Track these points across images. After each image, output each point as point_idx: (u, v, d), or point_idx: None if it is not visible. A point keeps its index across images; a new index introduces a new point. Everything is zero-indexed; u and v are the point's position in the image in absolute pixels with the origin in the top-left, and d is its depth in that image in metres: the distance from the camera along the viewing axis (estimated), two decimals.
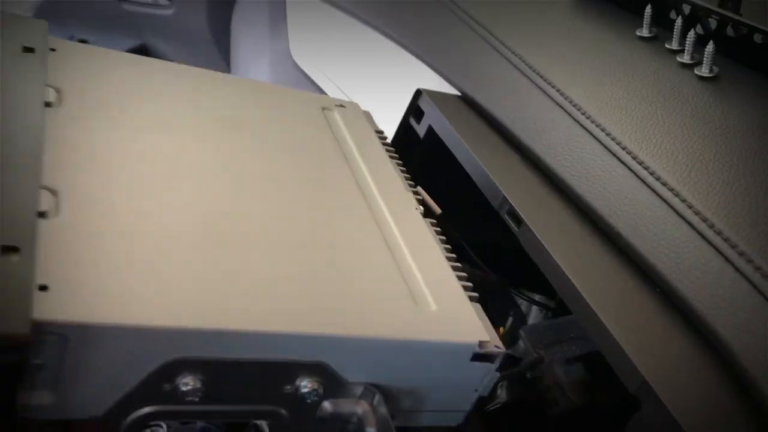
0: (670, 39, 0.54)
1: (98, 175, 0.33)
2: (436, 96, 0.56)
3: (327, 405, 0.32)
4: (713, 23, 0.52)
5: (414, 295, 0.35)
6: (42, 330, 0.25)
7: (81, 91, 0.38)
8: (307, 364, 0.31)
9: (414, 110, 0.57)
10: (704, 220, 0.38)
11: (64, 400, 0.27)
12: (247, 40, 1.08)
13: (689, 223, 0.38)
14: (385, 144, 0.50)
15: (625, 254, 0.40)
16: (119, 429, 0.29)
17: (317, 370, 0.31)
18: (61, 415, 0.28)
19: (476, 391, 0.36)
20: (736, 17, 0.51)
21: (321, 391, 0.32)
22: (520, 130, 0.50)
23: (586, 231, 0.43)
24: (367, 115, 0.53)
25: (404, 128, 0.57)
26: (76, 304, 0.26)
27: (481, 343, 0.34)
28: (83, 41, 1.78)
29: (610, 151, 0.44)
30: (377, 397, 0.33)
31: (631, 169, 0.43)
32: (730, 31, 0.51)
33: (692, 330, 0.35)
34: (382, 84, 0.72)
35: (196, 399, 0.29)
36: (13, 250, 0.26)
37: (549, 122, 0.49)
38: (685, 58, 0.52)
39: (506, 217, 0.44)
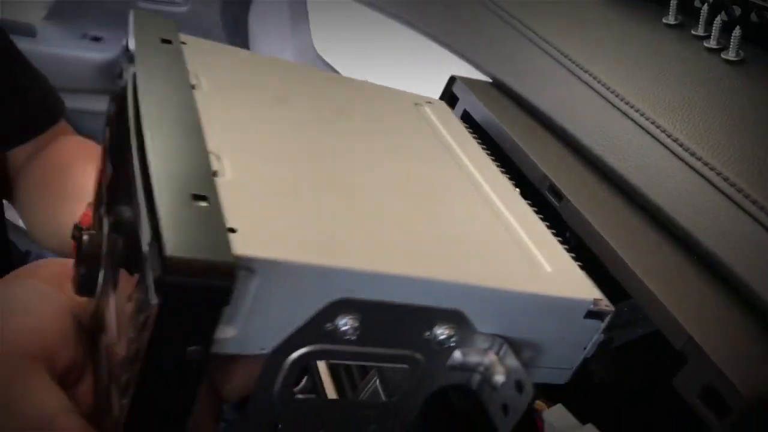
0: (695, 26, 0.56)
1: (247, 142, 0.37)
2: (469, 82, 0.58)
3: (457, 353, 0.35)
4: (737, 10, 0.54)
5: (530, 258, 0.39)
6: (237, 264, 0.27)
7: (213, 75, 0.42)
8: (446, 311, 0.34)
9: (448, 96, 0.59)
10: (740, 191, 0.40)
11: (243, 335, 0.30)
12: (268, 35, 1.11)
13: (725, 194, 0.41)
14: (473, 135, 0.53)
15: (663, 225, 0.42)
16: (279, 367, 0.32)
17: (454, 317, 0.34)
18: (236, 349, 0.30)
19: (584, 349, 0.38)
20: (760, 2, 0.53)
21: (456, 338, 0.34)
22: (552, 112, 0.53)
23: (624, 204, 0.45)
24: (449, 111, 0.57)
25: None
26: (263, 244, 0.29)
27: (595, 301, 0.37)
28: (97, 39, 1.80)
29: (644, 130, 0.47)
30: (504, 348, 0.35)
31: (666, 146, 0.45)
32: (754, 17, 0.54)
33: (731, 290, 0.38)
34: (408, 75, 0.74)
35: (353, 338, 0.32)
36: (203, 198, 0.29)
37: (581, 103, 0.51)
38: (712, 44, 0.54)
39: (546, 193, 0.46)
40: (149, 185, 0.29)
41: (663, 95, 0.49)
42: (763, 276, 0.37)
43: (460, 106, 0.57)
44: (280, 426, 0.34)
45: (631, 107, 0.48)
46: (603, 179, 0.47)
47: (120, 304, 0.33)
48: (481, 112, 0.54)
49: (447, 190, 0.43)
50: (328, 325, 0.31)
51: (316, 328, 0.31)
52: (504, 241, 0.39)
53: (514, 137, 0.50)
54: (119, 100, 0.38)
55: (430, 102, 0.54)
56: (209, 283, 0.27)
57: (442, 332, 0.34)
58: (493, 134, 0.53)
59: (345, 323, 0.31)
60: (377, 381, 0.44)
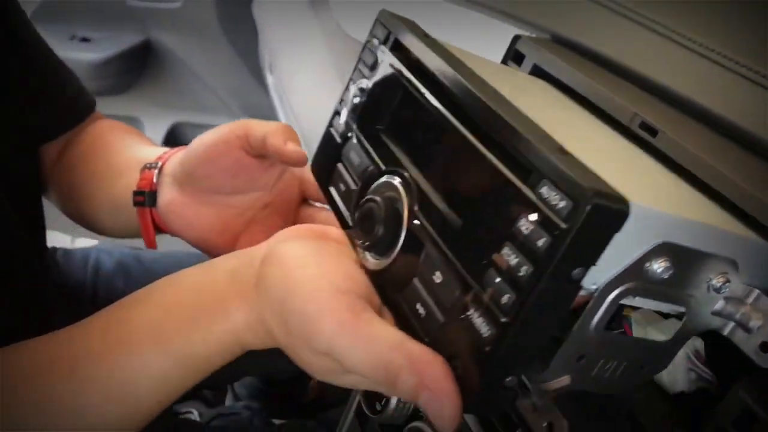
0: None
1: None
2: (532, 39, 0.61)
3: (721, 300, 0.39)
4: None
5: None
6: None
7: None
8: (725, 259, 0.38)
9: (513, 55, 0.62)
10: None
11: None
12: (286, 20, 1.12)
13: None
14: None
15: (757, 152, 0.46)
16: (603, 302, 0.36)
17: (730, 266, 0.38)
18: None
19: None
20: None
21: (729, 286, 0.38)
22: (620, 58, 0.56)
23: (715, 135, 0.48)
24: None
25: None
26: (621, 191, 0.33)
27: None
28: (86, 40, 1.79)
29: (725, 68, 0.50)
30: (759, 296, 0.39)
31: (750, 79, 0.48)
32: None
33: None
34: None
35: (663, 278, 0.36)
36: (568, 153, 0.35)
37: (652, 48, 0.55)
38: None
39: (639, 131, 0.49)
40: (524, 139, 0.36)
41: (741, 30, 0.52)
42: None
43: (527, 62, 0.60)
44: (584, 357, 0.38)
45: (707, 48, 0.52)
46: (690, 112, 0.50)
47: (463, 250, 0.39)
48: (554, 64, 0.57)
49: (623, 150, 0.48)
50: (647, 264, 0.35)
51: (639, 268, 0.35)
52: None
53: (596, 83, 0.53)
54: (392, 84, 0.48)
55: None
56: (615, 208, 0.32)
57: (718, 279, 0.38)
58: (572, 84, 0.55)
59: (659, 265, 0.35)
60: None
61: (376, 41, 0.50)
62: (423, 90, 0.45)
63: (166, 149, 0.65)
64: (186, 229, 0.62)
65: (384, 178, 0.46)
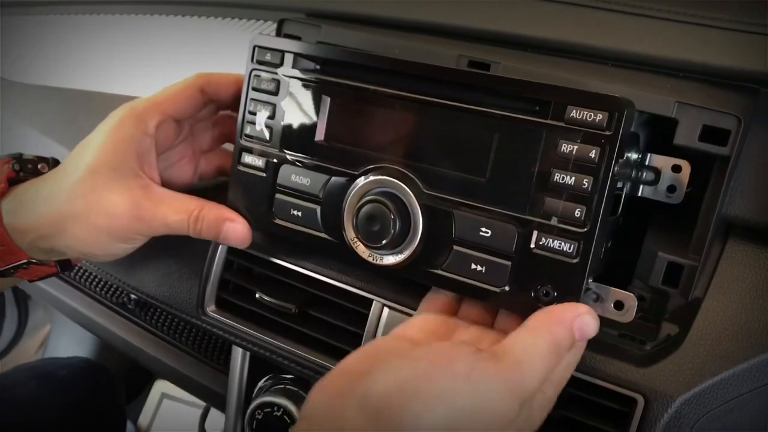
0: None
1: None
2: (298, 19, 0.58)
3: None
4: None
5: None
6: None
7: None
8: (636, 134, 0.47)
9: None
10: None
11: None
12: None
13: None
14: None
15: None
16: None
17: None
18: None
19: None
20: None
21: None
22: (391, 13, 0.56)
23: (539, 56, 0.51)
24: None
25: None
26: None
27: None
28: None
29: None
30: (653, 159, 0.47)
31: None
32: None
33: None
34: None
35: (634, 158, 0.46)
36: None
37: None
38: None
39: (470, 69, 0.50)
40: (523, 83, 0.43)
41: None
42: None
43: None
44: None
45: None
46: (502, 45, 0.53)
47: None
48: (345, 36, 0.56)
49: None
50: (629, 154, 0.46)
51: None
52: None
53: (403, 41, 0.54)
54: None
55: None
56: (630, 110, 0.42)
57: (632, 155, 0.47)
58: (374, 48, 0.55)
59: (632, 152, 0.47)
60: None
61: (266, 67, 0.51)
62: (370, 84, 0.47)
63: None
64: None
65: (364, 179, 0.47)
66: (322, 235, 0.50)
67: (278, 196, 0.51)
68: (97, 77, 0.75)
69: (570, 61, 0.50)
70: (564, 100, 0.41)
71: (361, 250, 0.48)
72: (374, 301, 0.52)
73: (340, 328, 0.54)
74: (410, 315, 0.50)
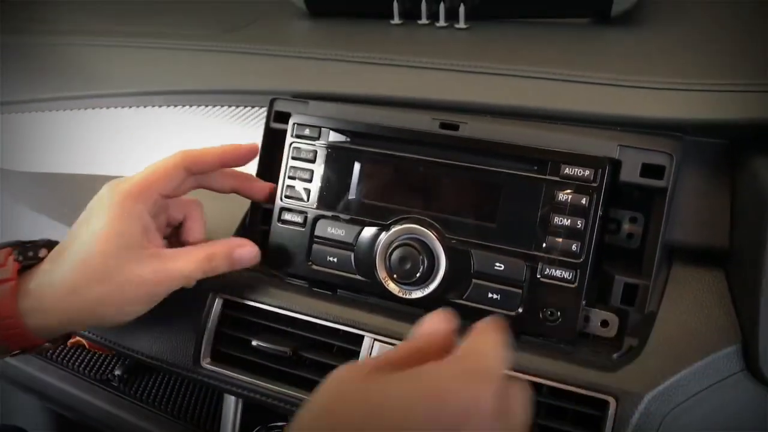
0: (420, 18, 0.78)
1: None
2: (287, 98, 0.66)
3: None
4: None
5: None
6: None
7: None
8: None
9: (275, 116, 0.66)
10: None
11: None
12: None
13: None
14: None
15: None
16: None
17: None
18: None
19: None
20: None
21: None
22: (376, 91, 0.65)
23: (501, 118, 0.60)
24: None
25: None
26: None
27: None
28: None
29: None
30: None
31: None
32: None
33: None
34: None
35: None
36: None
37: (391, 77, 0.66)
38: (441, 23, 0.76)
39: (441, 130, 0.59)
40: (524, 147, 0.55)
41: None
42: None
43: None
44: None
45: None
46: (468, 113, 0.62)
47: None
48: (331, 109, 0.64)
49: None
50: None
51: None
52: None
53: (384, 111, 0.63)
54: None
55: None
56: (610, 162, 0.53)
57: None
58: (360, 118, 0.62)
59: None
60: None
61: (305, 140, 0.62)
62: (396, 151, 0.58)
63: None
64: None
65: (395, 228, 0.57)
66: (357, 276, 0.59)
67: (315, 246, 0.61)
68: (83, 164, 0.80)
69: (526, 121, 0.59)
70: (559, 159, 0.53)
71: (392, 287, 0.57)
72: (365, 337, 0.57)
73: (333, 367, 0.57)
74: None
